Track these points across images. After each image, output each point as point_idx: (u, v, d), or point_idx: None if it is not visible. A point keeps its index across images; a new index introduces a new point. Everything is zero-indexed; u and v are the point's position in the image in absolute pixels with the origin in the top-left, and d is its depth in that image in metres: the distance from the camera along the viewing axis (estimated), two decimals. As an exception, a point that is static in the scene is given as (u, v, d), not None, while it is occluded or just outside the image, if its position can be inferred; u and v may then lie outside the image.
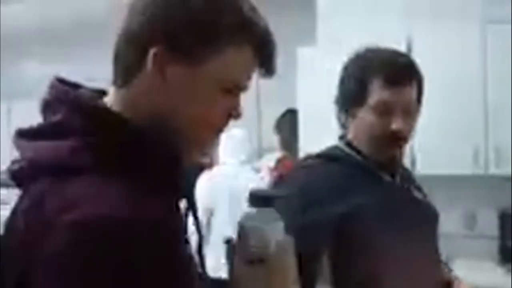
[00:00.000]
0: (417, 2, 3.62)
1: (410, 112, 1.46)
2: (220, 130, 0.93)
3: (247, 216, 0.90)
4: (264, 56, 0.90)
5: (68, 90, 0.88)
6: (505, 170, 3.18)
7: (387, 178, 1.50)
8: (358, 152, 1.49)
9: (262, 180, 3.61)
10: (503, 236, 3.23)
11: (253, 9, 0.88)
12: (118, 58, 0.89)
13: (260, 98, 4.68)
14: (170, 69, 0.84)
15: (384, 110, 1.43)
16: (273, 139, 4.10)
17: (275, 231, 0.88)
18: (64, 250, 0.72)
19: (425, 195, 1.59)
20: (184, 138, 0.88)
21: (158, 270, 0.75)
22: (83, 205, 0.74)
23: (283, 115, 3.97)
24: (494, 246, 3.26)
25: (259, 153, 4.60)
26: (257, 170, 3.84)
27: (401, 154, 1.55)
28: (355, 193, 1.40)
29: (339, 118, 1.53)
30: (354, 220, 1.35)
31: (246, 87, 0.91)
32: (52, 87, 0.90)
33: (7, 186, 4.56)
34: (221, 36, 0.84)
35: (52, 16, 5.83)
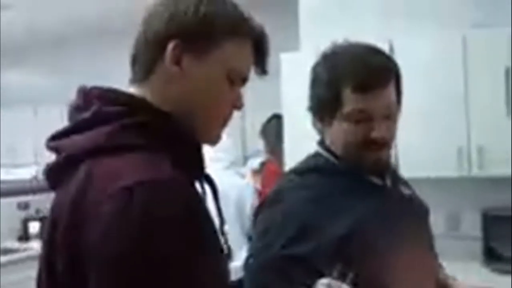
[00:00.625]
0: (399, 6, 3.67)
1: (390, 115, 1.36)
2: (226, 120, 1.05)
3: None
4: (260, 52, 1.05)
5: (96, 89, 0.99)
6: (488, 172, 3.22)
7: (378, 181, 1.42)
8: (339, 157, 1.41)
9: (247, 186, 3.61)
10: (486, 237, 3.27)
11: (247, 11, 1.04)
12: (137, 58, 1.02)
13: (245, 104, 4.69)
14: (185, 60, 0.98)
15: (361, 118, 1.33)
16: (258, 145, 4.11)
17: None
18: (116, 215, 0.81)
19: (413, 191, 1.55)
20: (193, 124, 0.99)
21: (204, 225, 0.88)
22: (127, 175, 0.84)
23: (269, 120, 3.99)
24: (478, 247, 3.29)
25: (244, 160, 4.61)
26: (242, 176, 3.84)
27: (387, 154, 1.44)
28: (347, 208, 1.31)
29: (314, 125, 1.45)
30: (353, 239, 1.26)
31: (247, 79, 1.05)
32: (79, 92, 1.01)
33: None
34: (222, 32, 0.99)
35: (39, 25, 5.79)
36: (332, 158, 1.42)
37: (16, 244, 4.65)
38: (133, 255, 0.80)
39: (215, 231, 0.95)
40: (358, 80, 1.31)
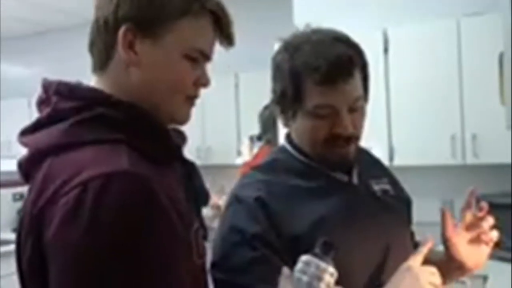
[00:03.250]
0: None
1: (357, 107, 1.26)
2: (191, 97, 1.03)
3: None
4: (219, 24, 1.02)
5: (54, 84, 0.98)
6: (482, 159, 3.24)
7: (343, 178, 1.33)
8: (305, 154, 1.32)
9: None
10: (480, 224, 3.28)
11: None
12: (93, 45, 1.00)
13: (239, 94, 4.68)
14: (138, 44, 0.96)
15: (325, 113, 1.24)
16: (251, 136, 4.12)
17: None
18: (70, 209, 0.82)
19: (394, 184, 1.44)
20: (158, 108, 0.98)
21: (161, 215, 0.86)
22: (82, 171, 0.84)
23: (268, 106, 3.99)
24: (472, 234, 3.31)
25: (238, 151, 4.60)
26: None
27: (355, 149, 1.32)
28: (307, 207, 1.24)
29: (280, 118, 1.35)
30: (311, 239, 1.15)
31: (210, 56, 1.03)
32: (41, 86, 1.00)
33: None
34: (173, 12, 0.96)
35: (34, 17, 5.74)
36: (296, 154, 1.34)
37: (11, 236, 4.65)
38: (86, 246, 0.81)
39: (182, 220, 0.92)
40: (321, 72, 1.20)
